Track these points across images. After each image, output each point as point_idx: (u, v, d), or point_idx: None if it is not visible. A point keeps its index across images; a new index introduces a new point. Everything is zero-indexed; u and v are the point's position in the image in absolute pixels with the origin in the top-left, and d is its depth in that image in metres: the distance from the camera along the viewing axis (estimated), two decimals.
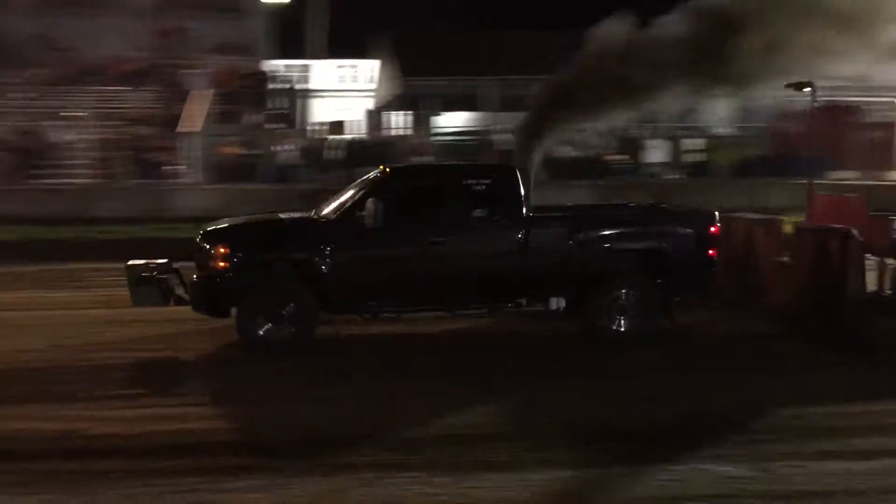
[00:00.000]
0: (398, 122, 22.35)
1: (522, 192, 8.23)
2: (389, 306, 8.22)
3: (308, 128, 21.36)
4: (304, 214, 8.63)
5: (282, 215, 8.78)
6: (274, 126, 20.83)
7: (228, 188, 18.55)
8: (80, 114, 20.85)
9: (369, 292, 8.04)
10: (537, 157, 9.36)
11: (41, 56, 25.21)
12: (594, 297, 8.10)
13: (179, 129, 19.66)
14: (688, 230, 8.40)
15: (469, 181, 8.44)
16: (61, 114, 20.70)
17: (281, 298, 7.82)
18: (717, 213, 8.60)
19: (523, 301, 8.30)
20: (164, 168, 18.82)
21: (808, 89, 11.43)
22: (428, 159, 18.08)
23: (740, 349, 7.82)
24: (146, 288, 7.99)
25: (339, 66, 29.65)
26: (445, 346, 8.10)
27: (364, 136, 21.56)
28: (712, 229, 8.29)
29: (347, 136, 21.25)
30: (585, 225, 8.44)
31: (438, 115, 23.41)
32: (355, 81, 29.61)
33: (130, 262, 8.23)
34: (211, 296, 7.91)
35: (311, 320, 7.92)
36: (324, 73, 29.18)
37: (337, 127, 21.51)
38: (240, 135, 20.50)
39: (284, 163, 20.41)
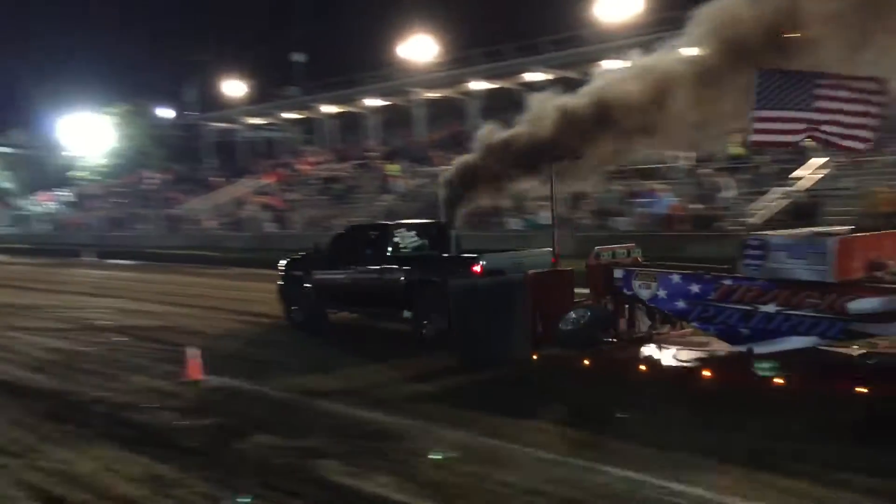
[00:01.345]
0: None
1: (392, 240, 13.03)
2: (340, 307, 13.82)
3: None
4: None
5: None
6: None
7: None
8: None
9: (330, 297, 13.76)
10: (459, 216, 13.06)
11: None
12: (416, 313, 12.18)
13: None
14: (455, 270, 11.56)
15: (370, 233, 13.75)
16: None
17: (292, 298, 14.35)
18: (482, 258, 11.66)
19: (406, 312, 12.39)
20: None
21: None
22: None
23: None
24: None
25: None
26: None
27: None
28: (475, 268, 11.52)
29: None
30: (410, 264, 12.58)
31: None
32: None
33: None
34: (279, 294, 14.75)
35: (315, 311, 13.99)
36: None
37: None
38: None
39: None
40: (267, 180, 45.88)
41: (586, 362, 8.93)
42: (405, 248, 13.25)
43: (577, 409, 8.15)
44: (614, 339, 9.43)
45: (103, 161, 60.58)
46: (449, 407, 8.50)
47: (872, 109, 8.07)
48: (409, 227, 13.78)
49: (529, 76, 38.95)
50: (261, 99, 54.03)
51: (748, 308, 8.16)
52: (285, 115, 52.88)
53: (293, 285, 14.41)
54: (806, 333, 7.80)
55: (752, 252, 8.27)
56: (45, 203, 58.42)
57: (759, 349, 7.99)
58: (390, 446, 7.22)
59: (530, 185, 12.37)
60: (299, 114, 51.88)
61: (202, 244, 35.77)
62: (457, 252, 12.79)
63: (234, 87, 55.86)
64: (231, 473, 6.64)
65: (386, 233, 13.32)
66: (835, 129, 8.21)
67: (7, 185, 68.88)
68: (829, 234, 8.00)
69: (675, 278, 8.95)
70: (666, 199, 24.74)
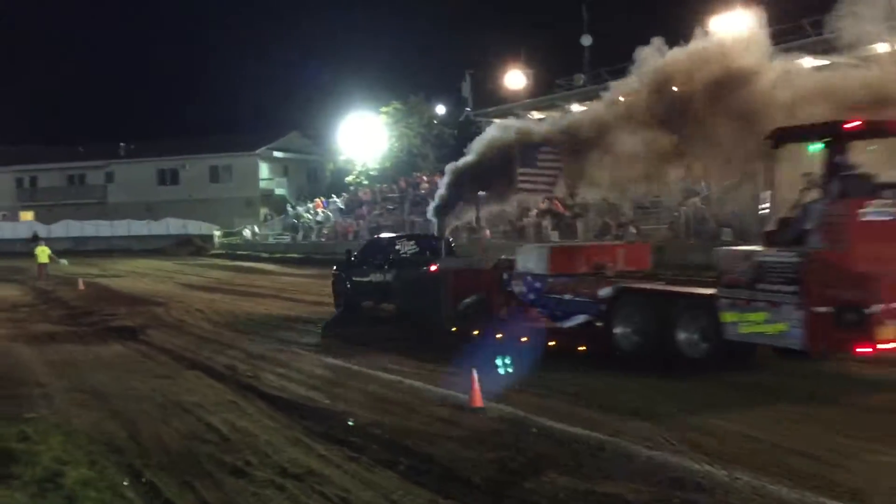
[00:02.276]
0: None
1: (394, 248, 21.17)
2: (366, 299, 20.78)
3: None
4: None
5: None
6: None
7: None
8: None
9: (360, 292, 20.83)
10: (450, 226, 20.06)
11: None
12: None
13: None
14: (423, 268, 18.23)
15: (381, 243, 22.62)
16: None
17: (339, 293, 21.81)
18: (438, 260, 18.35)
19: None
20: None
21: None
22: None
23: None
24: None
25: None
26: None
27: None
28: (433, 268, 17.63)
29: None
30: (400, 266, 19.62)
31: None
32: None
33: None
34: (332, 290, 22.52)
35: (350, 305, 20.90)
36: None
37: None
38: None
39: None
40: None
41: (475, 333, 14.91)
42: (404, 254, 20.69)
43: None
44: (504, 318, 15.08)
45: (374, 165, 64.74)
46: (763, 451, 8.10)
47: (556, 164, 16.57)
48: (410, 237, 22.99)
49: (881, 47, 35.74)
50: (541, 90, 54.92)
51: (558, 297, 14.28)
52: (570, 107, 53.24)
53: (339, 283, 21.69)
54: (584, 312, 13.67)
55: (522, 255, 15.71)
56: (319, 210, 63.54)
57: (566, 324, 13.83)
58: (704, 500, 7.00)
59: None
60: (586, 105, 52.01)
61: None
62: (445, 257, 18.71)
63: (512, 79, 57.13)
64: None
65: (391, 242, 21.93)
66: (540, 178, 16.58)
67: (282, 191, 76.13)
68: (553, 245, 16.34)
69: (529, 278, 14.94)
70: None
